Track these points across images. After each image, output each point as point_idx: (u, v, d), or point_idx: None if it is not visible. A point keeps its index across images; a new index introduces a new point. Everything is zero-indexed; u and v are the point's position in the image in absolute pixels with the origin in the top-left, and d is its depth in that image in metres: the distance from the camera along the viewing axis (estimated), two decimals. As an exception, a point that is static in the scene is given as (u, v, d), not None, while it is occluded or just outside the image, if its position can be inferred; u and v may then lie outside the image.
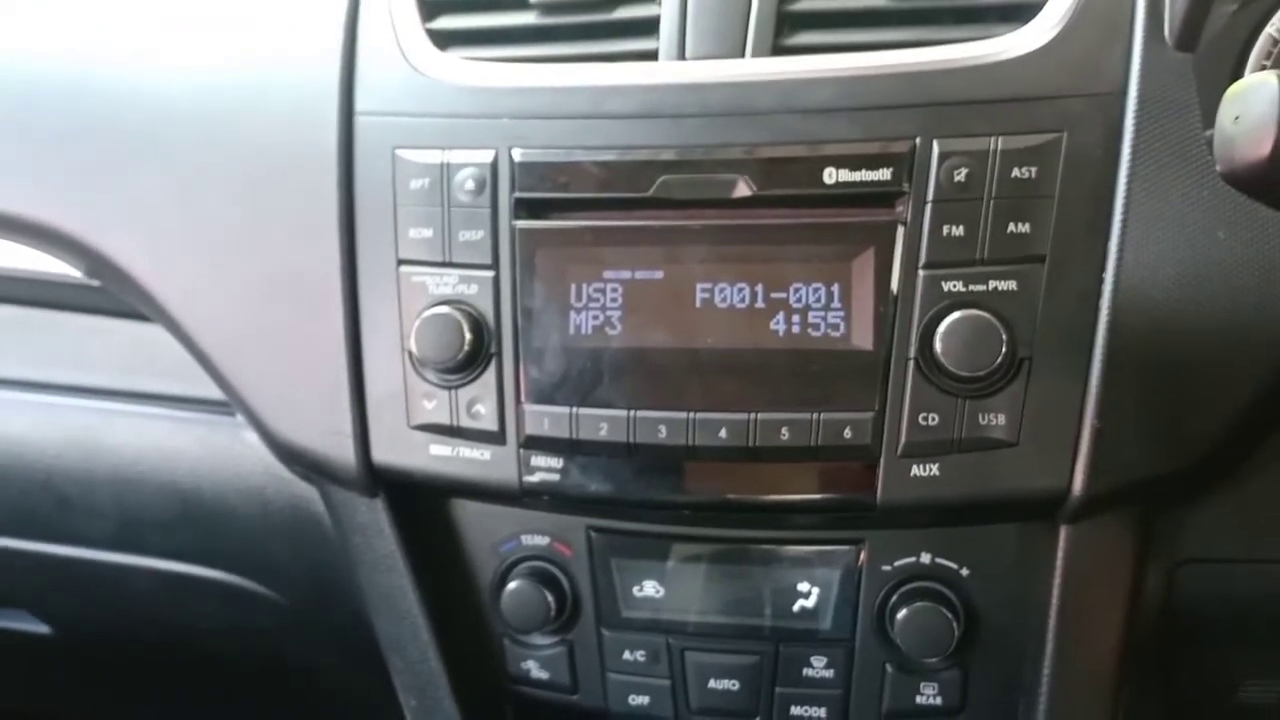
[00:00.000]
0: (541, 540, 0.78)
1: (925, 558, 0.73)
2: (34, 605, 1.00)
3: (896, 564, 0.73)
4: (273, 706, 1.11)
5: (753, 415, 0.67)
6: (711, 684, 0.77)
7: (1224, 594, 0.73)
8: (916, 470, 0.67)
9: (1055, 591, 0.70)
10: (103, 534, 0.89)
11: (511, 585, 0.77)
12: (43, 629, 1.03)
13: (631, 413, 0.69)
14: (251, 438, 0.83)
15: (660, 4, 0.72)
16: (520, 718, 0.83)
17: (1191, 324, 0.65)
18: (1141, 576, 0.71)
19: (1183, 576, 0.72)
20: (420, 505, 0.78)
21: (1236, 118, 0.47)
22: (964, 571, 0.73)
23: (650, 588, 0.77)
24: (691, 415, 0.68)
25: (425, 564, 0.79)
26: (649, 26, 0.72)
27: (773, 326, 0.68)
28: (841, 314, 0.67)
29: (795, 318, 0.68)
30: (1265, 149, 0.45)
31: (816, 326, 0.67)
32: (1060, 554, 0.69)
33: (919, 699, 0.74)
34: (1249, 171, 0.46)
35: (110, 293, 0.88)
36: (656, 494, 0.70)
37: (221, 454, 0.87)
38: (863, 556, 0.74)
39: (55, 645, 1.05)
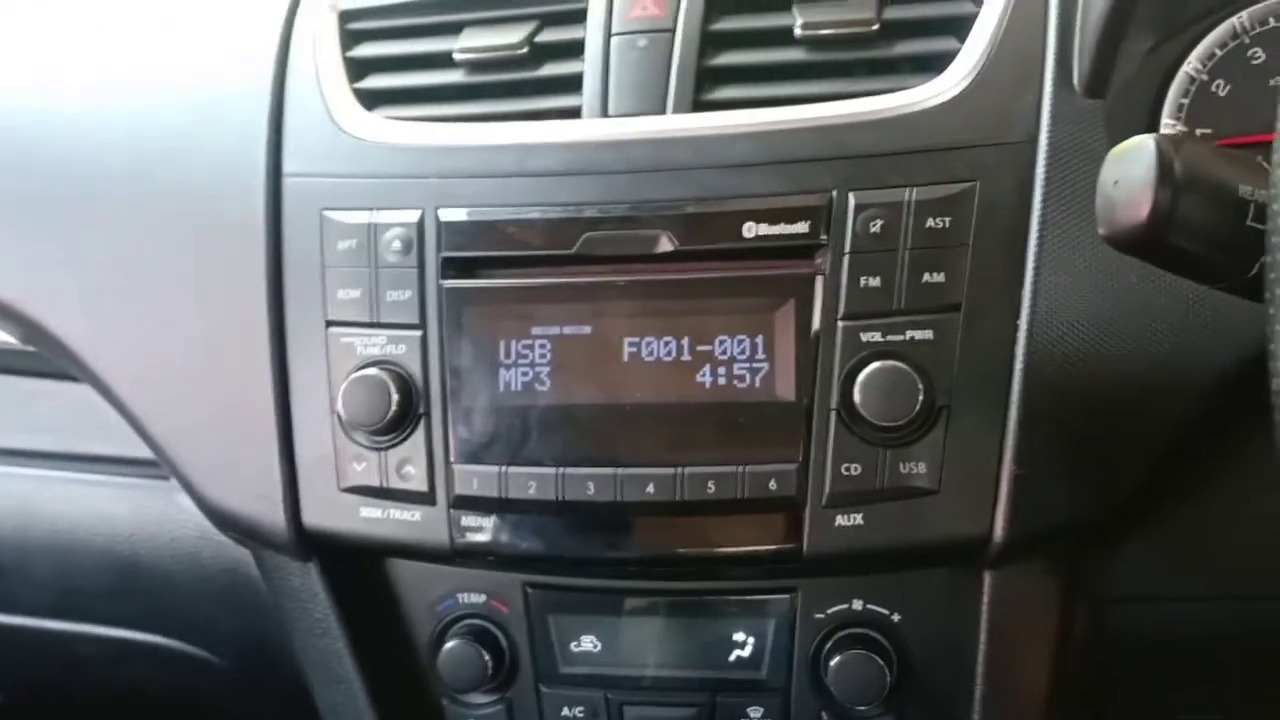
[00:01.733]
0: (478, 598, 0.78)
1: (857, 604, 0.73)
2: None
3: (829, 611, 0.73)
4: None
5: (680, 470, 0.68)
6: None
7: (1153, 631, 0.74)
8: (841, 520, 0.67)
9: (982, 636, 0.70)
10: (41, 602, 0.88)
11: (449, 645, 0.77)
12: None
13: (560, 470, 0.69)
14: (187, 502, 0.83)
15: (584, 62, 0.73)
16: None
17: (1107, 370, 0.65)
18: (1068, 617, 0.72)
19: (1111, 615, 0.73)
20: (354, 567, 0.78)
21: (1116, 182, 0.47)
22: (895, 617, 0.73)
23: (588, 643, 0.77)
24: (619, 472, 0.68)
25: (360, 626, 0.79)
26: (573, 84, 0.73)
27: (699, 379, 0.68)
28: (765, 365, 0.68)
29: (721, 370, 0.68)
30: (1143, 213, 0.46)
31: (741, 378, 0.68)
32: (985, 598, 0.69)
33: None
34: (1128, 235, 0.47)
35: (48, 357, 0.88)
36: (588, 550, 0.70)
37: (157, 519, 0.87)
38: (796, 605, 0.74)
39: (7, 712, 1.04)
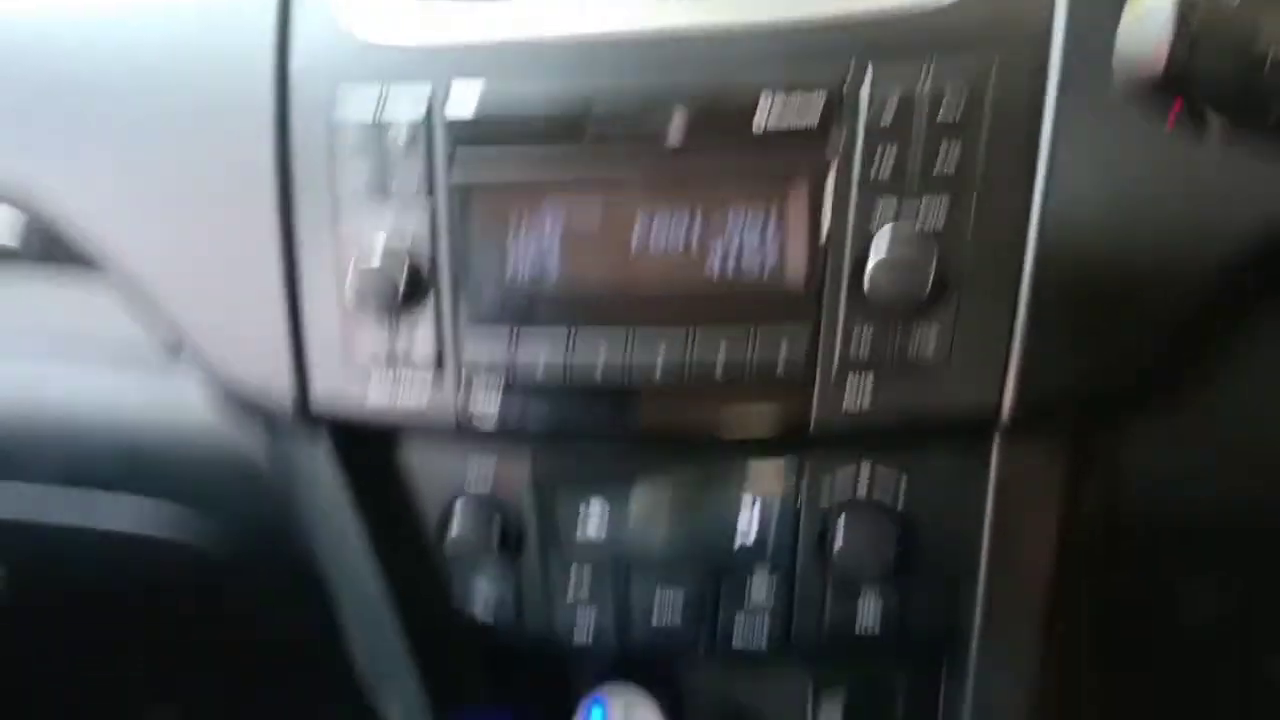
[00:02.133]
0: (487, 474, 0.78)
1: (864, 483, 0.74)
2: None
3: (836, 489, 0.74)
4: (232, 672, 1.11)
5: (691, 329, 0.68)
6: (655, 609, 0.77)
7: (1160, 512, 0.74)
8: (850, 393, 0.67)
9: (989, 510, 0.71)
10: (49, 471, 0.89)
11: (457, 521, 0.78)
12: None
13: (571, 330, 0.69)
14: (195, 394, 0.83)
15: None
16: (467, 657, 0.84)
17: (1122, 244, 0.65)
18: (1075, 493, 0.72)
19: (1118, 494, 0.73)
20: (363, 447, 0.78)
21: (1133, 30, 0.47)
22: (902, 496, 0.73)
23: (594, 518, 0.78)
24: (630, 341, 0.68)
25: (371, 507, 0.80)
26: None
27: (710, 258, 0.68)
28: (777, 245, 0.67)
29: (733, 249, 0.68)
30: (1160, 61, 0.46)
31: (752, 258, 0.68)
32: (993, 472, 0.70)
33: (858, 620, 0.75)
34: (1146, 83, 0.47)
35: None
36: (596, 420, 0.71)
37: (164, 410, 0.87)
38: (802, 480, 0.74)
39: (8, 611, 1.05)
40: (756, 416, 0.69)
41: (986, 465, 0.71)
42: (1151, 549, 0.77)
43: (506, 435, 0.77)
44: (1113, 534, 0.75)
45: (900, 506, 0.74)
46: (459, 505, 0.79)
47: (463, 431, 0.74)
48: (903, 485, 0.74)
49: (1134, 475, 0.74)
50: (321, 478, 0.79)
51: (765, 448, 0.75)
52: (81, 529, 0.89)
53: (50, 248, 0.90)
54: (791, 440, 0.73)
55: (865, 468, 0.74)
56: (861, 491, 0.74)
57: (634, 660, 0.96)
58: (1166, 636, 0.84)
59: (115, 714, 1.13)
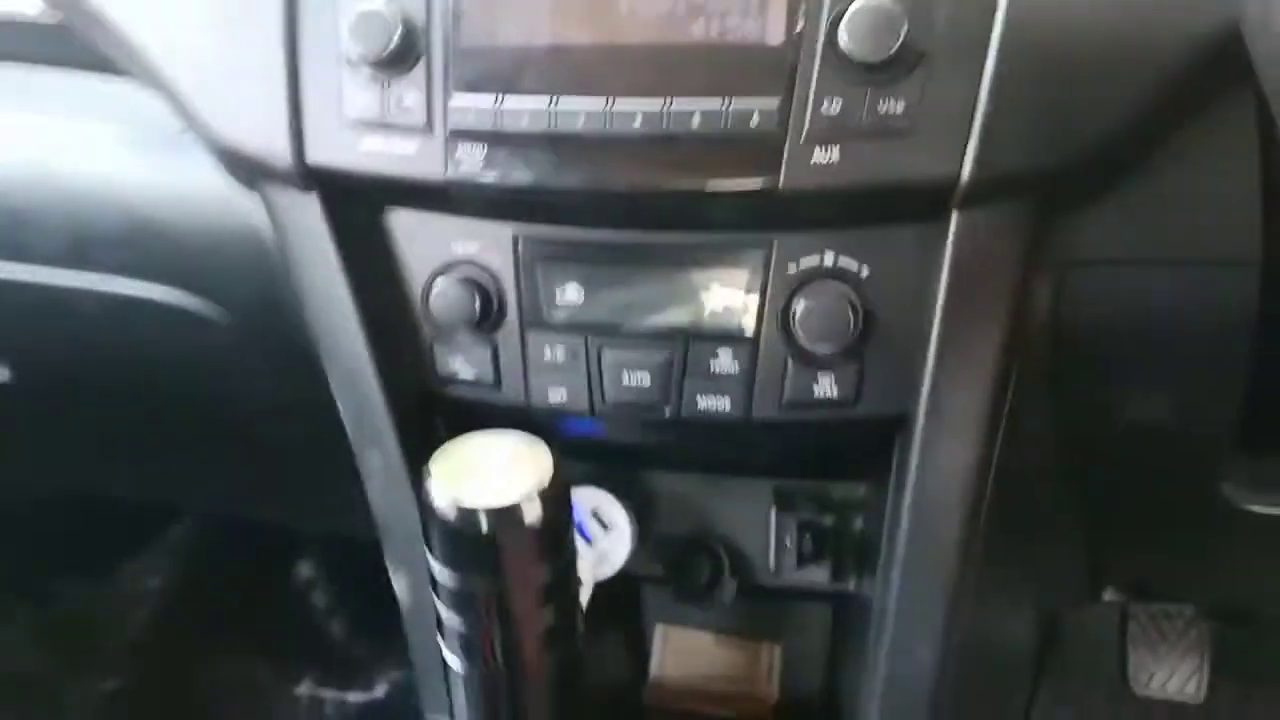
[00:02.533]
0: (471, 247, 0.82)
1: (829, 257, 0.77)
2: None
3: (801, 262, 0.77)
4: (227, 464, 1.16)
5: (668, 100, 0.71)
6: (625, 379, 0.81)
7: (1111, 298, 0.77)
8: (818, 156, 0.70)
9: (943, 282, 0.74)
10: (53, 250, 0.92)
11: (440, 287, 0.81)
12: (2, 376, 1.07)
13: (553, 101, 0.72)
14: (202, 161, 0.86)
15: None
16: (448, 423, 0.87)
17: (1088, 25, 0.68)
18: (1029, 278, 0.75)
19: (1071, 281, 0.76)
20: (354, 209, 0.82)
21: None
22: (864, 271, 0.77)
23: (572, 291, 0.81)
24: (610, 101, 0.72)
25: (360, 270, 0.83)
26: None
27: (691, 21, 0.71)
28: (757, 8, 0.70)
29: (714, 13, 0.71)
30: None
31: (732, 21, 0.71)
32: (950, 242, 0.73)
33: (816, 390, 0.79)
34: None
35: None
36: (575, 183, 0.74)
37: (172, 176, 0.90)
38: (770, 256, 0.78)
39: (16, 393, 1.09)
40: (728, 177, 0.72)
41: (944, 246, 0.74)
42: (1099, 351, 0.80)
43: (490, 207, 0.80)
44: (1061, 333, 0.79)
45: (861, 285, 0.77)
46: (442, 275, 0.82)
47: (449, 196, 0.77)
48: (864, 266, 0.77)
49: (1085, 270, 0.77)
50: (315, 241, 0.82)
51: (736, 227, 0.78)
52: (88, 292, 0.92)
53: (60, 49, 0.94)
54: (761, 214, 0.76)
55: (829, 250, 0.77)
56: (826, 266, 0.77)
57: (604, 469, 1.00)
58: (1118, 440, 0.87)
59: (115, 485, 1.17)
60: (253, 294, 0.90)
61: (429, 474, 0.44)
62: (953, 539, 0.83)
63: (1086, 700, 1.36)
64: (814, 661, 1.16)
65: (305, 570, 1.76)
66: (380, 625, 1.70)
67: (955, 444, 0.78)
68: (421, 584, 0.87)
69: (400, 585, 0.90)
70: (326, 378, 0.88)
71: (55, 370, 1.04)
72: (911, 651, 0.86)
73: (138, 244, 0.91)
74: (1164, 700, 1.32)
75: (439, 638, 0.48)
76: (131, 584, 1.75)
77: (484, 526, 0.42)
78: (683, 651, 1.19)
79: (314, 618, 1.73)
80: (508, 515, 0.43)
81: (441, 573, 0.45)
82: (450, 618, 0.46)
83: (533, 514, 0.43)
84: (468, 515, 0.43)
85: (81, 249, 0.92)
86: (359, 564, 1.74)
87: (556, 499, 0.44)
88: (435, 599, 0.46)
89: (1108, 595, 1.12)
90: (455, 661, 0.47)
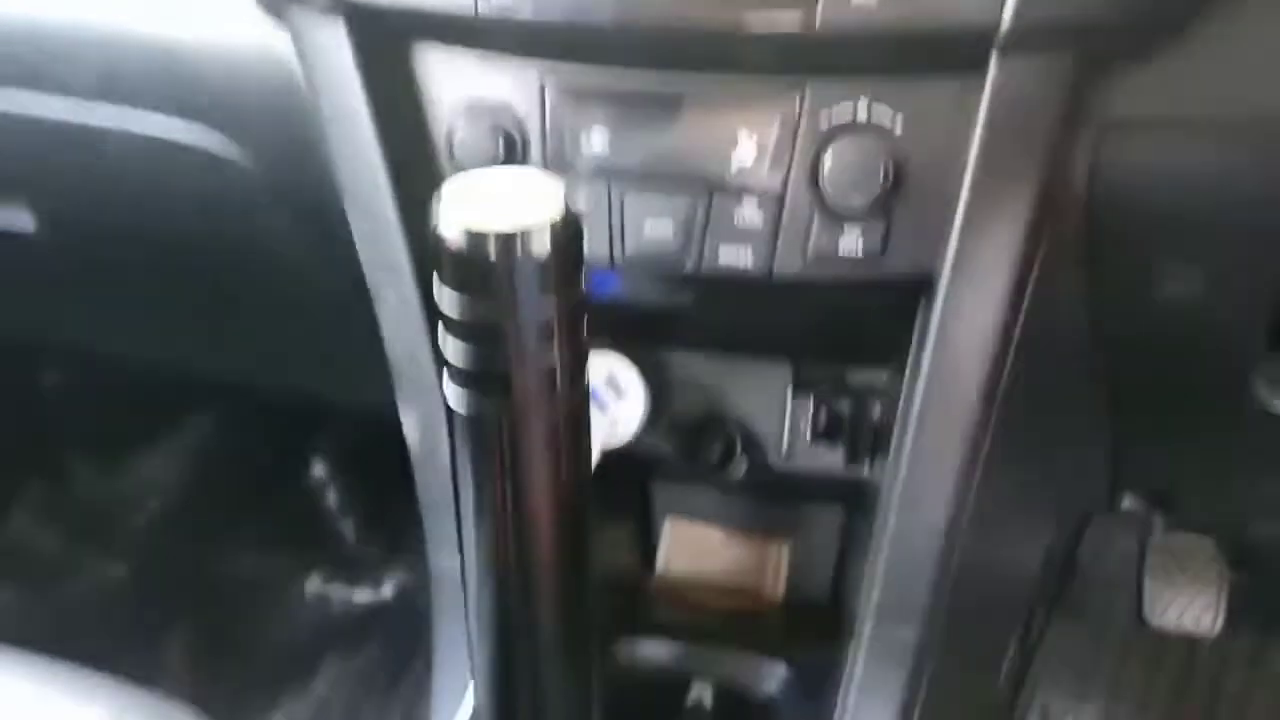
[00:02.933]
0: (497, 89, 0.80)
1: (862, 106, 0.75)
2: (18, 184, 1.03)
3: (834, 111, 0.75)
4: (245, 324, 1.16)
5: None
6: (647, 229, 0.80)
7: (1151, 161, 0.75)
8: None
9: (978, 134, 0.72)
10: (84, 82, 0.91)
11: (464, 129, 0.80)
12: (29, 226, 1.07)
13: None
14: (230, 8, 0.85)
15: None
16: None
17: None
18: (1067, 136, 0.73)
19: (1110, 141, 0.74)
20: (382, 45, 0.81)
21: None
22: (898, 122, 0.75)
23: (597, 137, 0.79)
24: None
25: (384, 106, 0.82)
26: None
27: None
28: None
29: None
30: None
31: None
32: (987, 93, 0.71)
33: (842, 246, 0.77)
34: None
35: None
36: (606, 17, 0.72)
37: (202, 9, 0.89)
38: (802, 104, 0.76)
39: (43, 245, 1.09)
40: (764, 11, 0.70)
41: (981, 98, 0.72)
42: (1136, 218, 0.78)
43: (518, 44, 0.79)
44: (1097, 197, 0.76)
45: (894, 137, 0.75)
46: (466, 115, 0.81)
47: (477, 30, 0.76)
48: (898, 117, 0.75)
49: (1125, 129, 0.74)
50: (340, 75, 0.81)
51: (767, 70, 0.76)
52: (116, 131, 0.92)
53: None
54: (794, 56, 0.75)
55: (863, 99, 0.75)
56: (859, 116, 0.75)
57: (620, 344, 0.99)
58: (1149, 324, 0.85)
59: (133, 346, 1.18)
60: (278, 136, 0.90)
61: (439, 198, 0.43)
62: (968, 417, 0.81)
63: (1104, 625, 1.35)
64: (823, 563, 1.14)
65: (319, 470, 1.76)
66: (391, 529, 1.71)
67: (979, 307, 0.76)
68: (432, 424, 0.86)
69: (410, 425, 0.89)
70: (346, 226, 0.88)
71: (80, 217, 1.03)
72: (913, 538, 0.85)
73: (167, 78, 0.90)
74: (1178, 633, 1.31)
75: (444, 384, 0.47)
76: (146, 472, 1.77)
77: (492, 251, 0.41)
78: (690, 546, 1.17)
79: (326, 517, 1.74)
80: (517, 240, 0.41)
81: (450, 302, 0.44)
82: (456, 353, 0.45)
83: (542, 241, 0.42)
84: (476, 239, 0.42)
85: (110, 83, 0.91)
86: (372, 466, 1.75)
87: (567, 230, 0.43)
88: (443, 338, 0.45)
89: (1127, 504, 1.11)
90: (457, 401, 0.46)
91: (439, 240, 0.43)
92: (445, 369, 0.46)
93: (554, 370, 0.44)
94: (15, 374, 1.67)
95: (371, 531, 1.72)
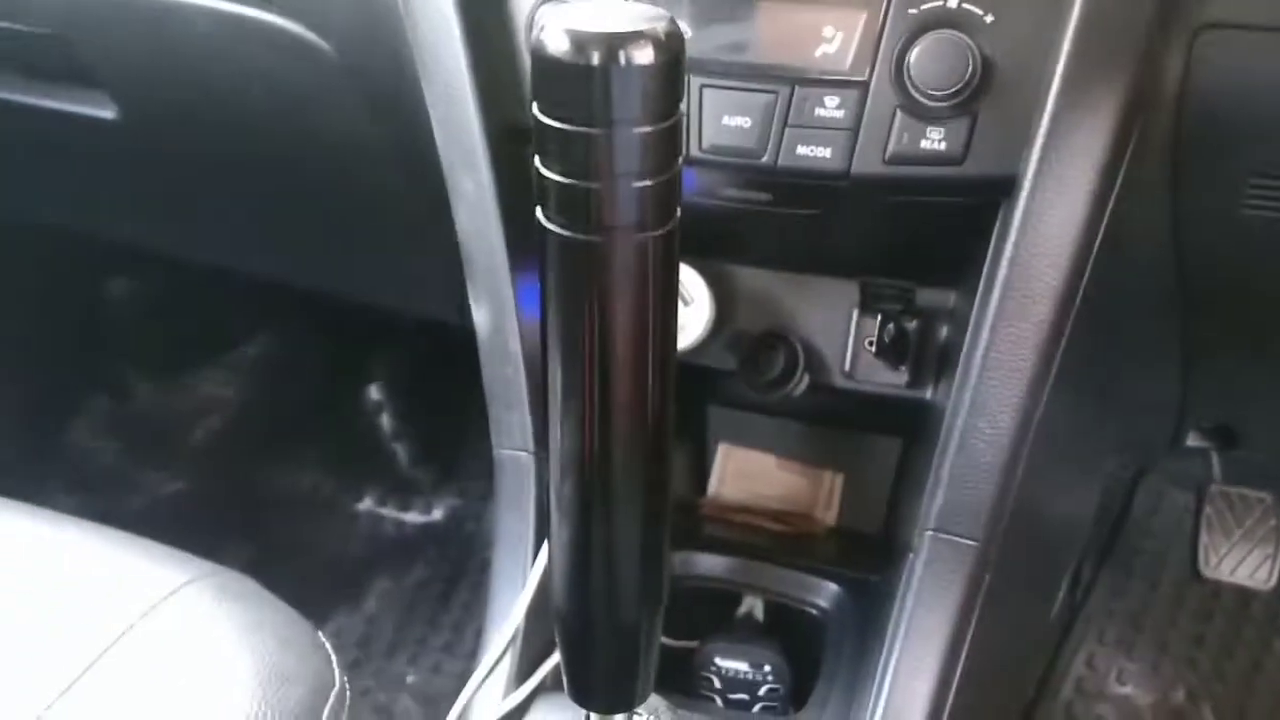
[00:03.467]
0: None
1: (952, 2, 0.74)
2: (101, 67, 1.04)
3: (923, 7, 0.74)
4: (316, 225, 1.17)
5: None
6: (725, 120, 0.79)
7: (1243, 67, 0.73)
8: None
9: (1070, 32, 0.71)
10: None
11: (539, 21, 0.80)
12: (109, 113, 1.08)
13: None
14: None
15: None
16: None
17: None
18: (1160, 36, 0.72)
19: (1203, 45, 0.73)
20: None
21: None
22: (988, 18, 0.74)
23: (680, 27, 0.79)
24: None
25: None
26: None
27: None
28: None
29: None
30: None
31: None
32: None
33: (924, 143, 0.76)
34: None
35: None
36: None
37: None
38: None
39: (122, 132, 1.10)
40: None
41: (1071, 7, 0.71)
42: (1225, 128, 0.77)
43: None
44: (1187, 103, 0.75)
45: (983, 32, 0.74)
46: (546, 3, 0.81)
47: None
48: (989, 13, 0.74)
49: (1218, 33, 0.73)
50: None
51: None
52: (200, 8, 0.93)
53: None
54: None
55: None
56: (950, 8, 0.74)
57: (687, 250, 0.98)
58: (1230, 246, 0.83)
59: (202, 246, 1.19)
60: (358, 23, 0.90)
61: (539, 15, 0.44)
62: (1042, 326, 0.80)
63: (1155, 576, 1.33)
64: (876, 495, 1.14)
65: (375, 393, 1.78)
66: (443, 455, 1.73)
67: (1061, 211, 0.75)
68: (501, 312, 0.87)
69: (480, 314, 0.90)
70: (422, 116, 0.88)
71: (160, 99, 1.04)
72: (978, 445, 0.83)
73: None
74: (1232, 584, 1.29)
75: (538, 209, 0.47)
76: (205, 390, 1.79)
77: (594, 55, 0.41)
78: (744, 471, 1.17)
79: (380, 440, 1.76)
80: (620, 45, 0.41)
81: (548, 110, 0.44)
82: (552, 167, 0.45)
83: (644, 51, 0.42)
84: (579, 40, 0.42)
85: None
86: (427, 392, 1.77)
87: (670, 44, 0.43)
88: (540, 150, 0.45)
89: (1191, 441, 1.09)
90: (549, 222, 0.46)
91: (540, 48, 0.43)
92: (539, 190, 0.46)
93: (646, 188, 0.44)
94: (83, 281, 1.70)
95: (424, 455, 1.74)
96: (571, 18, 0.43)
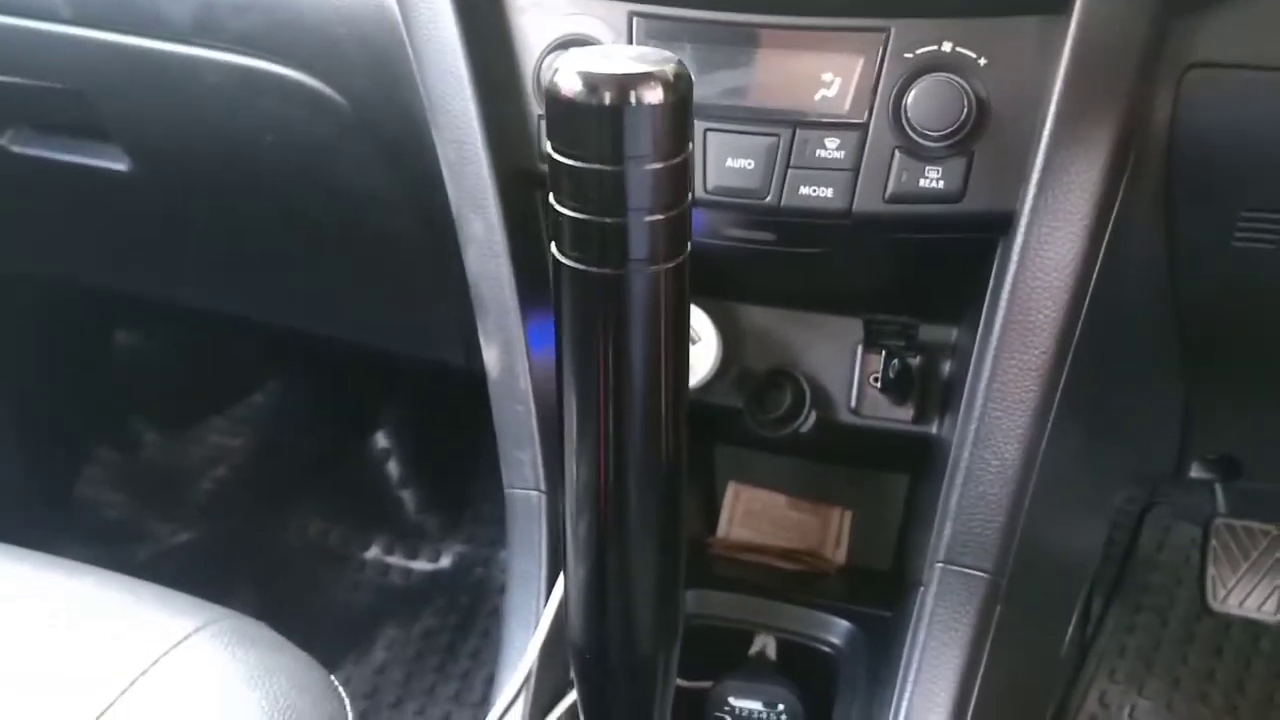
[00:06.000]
0: (586, 24, 0.83)
1: (946, 46, 0.76)
2: (114, 119, 1.07)
3: (918, 52, 0.77)
4: (327, 273, 1.18)
5: None
6: (729, 162, 0.81)
7: (1232, 105, 0.76)
8: None
9: (1062, 73, 0.73)
10: (184, 18, 0.95)
11: (551, 66, 0.82)
12: (121, 165, 1.10)
13: None
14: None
15: None
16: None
17: None
18: (1149, 76, 0.74)
19: (1192, 84, 0.75)
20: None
21: None
22: (981, 61, 0.76)
23: (685, 72, 0.81)
24: None
25: (476, 39, 0.85)
26: None
27: None
28: None
29: None
30: None
31: None
32: (1071, 32, 0.72)
33: (923, 182, 0.78)
34: None
35: None
36: None
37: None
38: (886, 43, 0.77)
39: (133, 185, 1.12)
40: None
41: (1065, 38, 0.73)
42: (1215, 164, 0.78)
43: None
44: (1178, 140, 0.77)
45: (977, 74, 0.76)
46: (554, 54, 0.83)
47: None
48: (982, 56, 0.76)
49: (1207, 72, 0.75)
50: (436, 11, 0.84)
51: (851, 12, 0.78)
52: (212, 61, 0.95)
53: None
54: (880, 4, 0.76)
55: (948, 41, 0.77)
56: (941, 63, 0.76)
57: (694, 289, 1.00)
58: (1224, 277, 0.85)
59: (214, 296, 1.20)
60: (369, 72, 0.92)
61: (552, 62, 0.45)
62: (1044, 358, 0.81)
63: (1164, 611, 1.33)
64: (886, 530, 1.14)
65: (382, 441, 1.79)
66: (450, 502, 1.73)
67: (1058, 247, 0.77)
68: (511, 351, 0.88)
69: (490, 354, 0.91)
70: (430, 161, 0.90)
71: (174, 154, 1.07)
72: (986, 476, 0.84)
73: (258, 13, 0.93)
74: (1241, 617, 1.29)
75: (551, 244, 0.48)
76: (213, 440, 1.80)
77: (607, 96, 0.43)
78: (753, 510, 1.18)
79: (388, 488, 1.76)
80: (631, 86, 0.43)
81: (559, 150, 0.46)
82: (565, 203, 0.46)
83: (654, 91, 0.43)
84: (592, 83, 0.43)
85: (208, 15, 0.94)
86: (433, 439, 1.78)
87: (679, 84, 0.44)
88: (554, 185, 0.47)
89: (1194, 473, 1.10)
90: (564, 257, 0.47)
91: (554, 89, 0.45)
92: (553, 225, 0.48)
93: (658, 222, 0.45)
94: (90, 331, 1.71)
95: (432, 503, 1.74)
96: (584, 61, 0.45)
